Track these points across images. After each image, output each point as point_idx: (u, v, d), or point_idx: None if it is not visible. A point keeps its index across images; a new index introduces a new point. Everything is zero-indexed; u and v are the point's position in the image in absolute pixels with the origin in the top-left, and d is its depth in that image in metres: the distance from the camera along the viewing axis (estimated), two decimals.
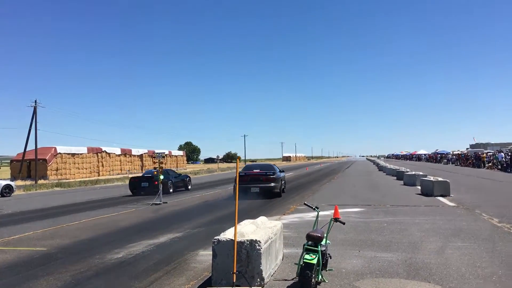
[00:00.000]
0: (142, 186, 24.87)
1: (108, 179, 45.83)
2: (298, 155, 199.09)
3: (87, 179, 47.27)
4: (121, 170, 62.36)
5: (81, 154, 55.32)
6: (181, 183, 27.35)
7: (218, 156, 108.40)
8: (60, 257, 8.72)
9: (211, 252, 6.03)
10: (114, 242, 10.12)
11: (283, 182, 21.78)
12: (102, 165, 58.97)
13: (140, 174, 31.06)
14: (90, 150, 57.13)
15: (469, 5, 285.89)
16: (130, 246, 9.53)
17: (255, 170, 20.99)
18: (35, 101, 46.05)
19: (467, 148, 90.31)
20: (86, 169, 55.84)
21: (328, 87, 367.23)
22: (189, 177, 29.62)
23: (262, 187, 19.50)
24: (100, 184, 38.92)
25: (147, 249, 9.19)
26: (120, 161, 63.57)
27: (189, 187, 28.22)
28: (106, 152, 60.29)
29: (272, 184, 19.65)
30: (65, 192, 30.80)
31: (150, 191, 23.82)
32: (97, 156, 58.36)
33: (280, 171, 22.07)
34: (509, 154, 42.94)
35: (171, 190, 25.08)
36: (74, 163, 53.91)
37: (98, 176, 54.85)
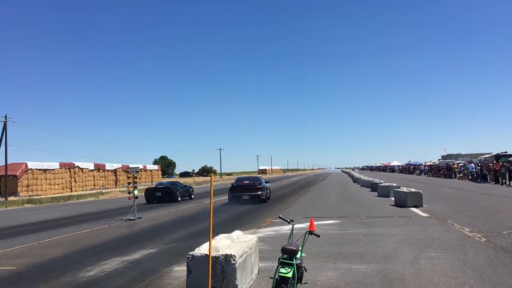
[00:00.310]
0: (156, 195, 29.12)
1: (81, 195, 44.93)
2: (273, 167, 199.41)
3: (59, 195, 46.23)
4: (94, 185, 61.28)
5: (53, 169, 54.17)
6: (186, 192, 31.36)
7: (193, 170, 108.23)
8: (30, 276, 8.48)
9: (186, 268, 5.97)
10: (86, 260, 9.90)
11: (268, 191, 26.22)
12: (75, 181, 57.89)
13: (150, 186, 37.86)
14: (62, 165, 56.01)
15: (437, 18, 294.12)
16: (103, 263, 9.34)
17: (245, 182, 25.47)
18: (5, 116, 45.02)
19: (438, 159, 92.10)
20: (58, 185, 54.69)
21: (302, 99, 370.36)
22: (192, 188, 34.25)
23: (251, 195, 23.90)
24: (73, 200, 38.11)
25: (120, 266, 9.02)
26: (94, 176, 62.52)
27: (192, 196, 32.22)
28: (79, 167, 59.22)
29: (259, 192, 24.09)
30: (36, 209, 30.06)
31: (163, 199, 28.73)
32: (70, 172, 57.26)
33: (266, 182, 26.42)
34: (479, 164, 44.02)
35: (179, 199, 29.23)
36: (46, 179, 52.76)
37: (71, 192, 53.69)
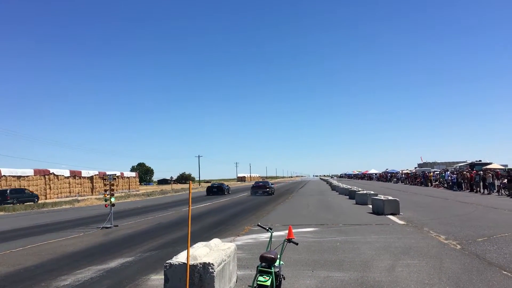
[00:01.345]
0: (213, 190, 49.17)
1: (55, 202, 44.01)
2: (252, 175, 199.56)
3: (33, 202, 45.22)
4: (70, 192, 60.17)
5: (27, 176, 53.00)
6: (228, 190, 52.34)
7: (171, 177, 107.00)
8: (2, 286, 8.26)
9: (163, 277, 5.89)
10: (61, 269, 9.70)
11: (273, 189, 45.78)
12: (50, 188, 56.70)
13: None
14: (37, 172, 54.85)
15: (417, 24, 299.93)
16: (78, 273, 9.16)
17: (260, 184, 46.11)
18: None
19: (415, 167, 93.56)
20: (33, 192, 53.48)
21: (281, 107, 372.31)
22: (229, 186, 56.64)
23: (263, 190, 43.53)
24: (47, 207, 37.33)
25: (96, 275, 8.85)
26: (69, 183, 61.37)
27: (230, 192, 52.57)
28: (54, 174, 58.05)
29: (267, 189, 43.51)
30: (9, 216, 29.30)
31: (217, 193, 48.58)
32: (45, 179, 56.08)
33: (271, 184, 47.56)
34: (455, 173, 44.81)
35: (225, 193, 49.44)
36: (20, 186, 51.46)
37: (46, 199, 52.58)
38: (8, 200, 41.52)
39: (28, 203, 41.21)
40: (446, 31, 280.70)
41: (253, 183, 49.67)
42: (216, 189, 49.33)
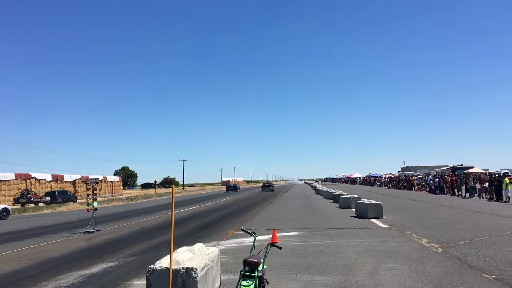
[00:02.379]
0: (231, 189, 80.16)
1: (36, 207, 43.41)
2: (237, 179, 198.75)
3: (14, 207, 44.49)
4: None
5: (7, 180, 52.10)
6: (239, 188, 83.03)
7: (155, 181, 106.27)
8: None
9: (145, 282, 5.84)
10: (41, 274, 9.55)
11: (274, 187, 76.00)
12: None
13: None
14: (18, 176, 53.96)
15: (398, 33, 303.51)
16: (59, 278, 9.03)
17: (266, 184, 77.69)
18: None
19: (398, 171, 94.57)
20: (13, 196, 52.60)
21: (266, 111, 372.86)
22: (239, 186, 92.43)
23: (269, 188, 71.30)
24: (29, 212, 36.76)
25: (77, 281, 8.74)
26: (51, 187, 60.48)
27: (240, 190, 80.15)
28: (35, 178, 57.19)
29: (272, 188, 72.65)
30: None
31: (234, 191, 75.47)
32: (26, 183, 55.21)
33: (273, 184, 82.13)
34: (437, 177, 45.36)
35: (239, 191, 76.73)
36: (0, 190, 50.69)
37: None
38: (57, 200, 49.49)
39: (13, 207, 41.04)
40: (430, 38, 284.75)
41: (262, 183, 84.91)
42: (233, 188, 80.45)
